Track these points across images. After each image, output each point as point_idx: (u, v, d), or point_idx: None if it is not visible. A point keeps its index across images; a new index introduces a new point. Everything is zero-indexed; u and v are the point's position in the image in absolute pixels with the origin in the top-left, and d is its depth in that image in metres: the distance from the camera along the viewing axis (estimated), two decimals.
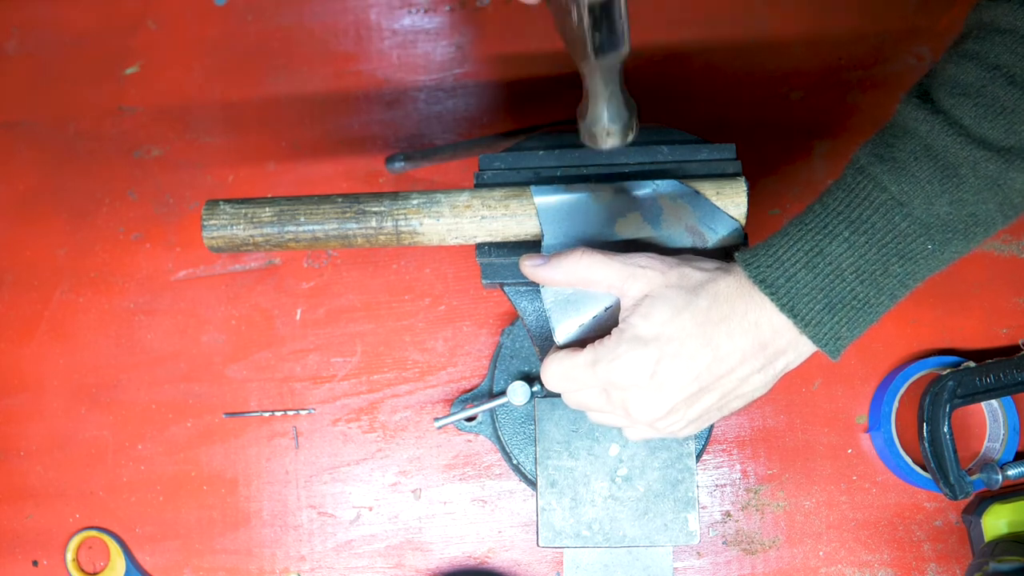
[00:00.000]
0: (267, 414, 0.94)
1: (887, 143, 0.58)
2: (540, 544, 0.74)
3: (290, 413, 0.94)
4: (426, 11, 0.99)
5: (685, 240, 0.68)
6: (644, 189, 0.69)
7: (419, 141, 0.97)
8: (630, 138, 0.62)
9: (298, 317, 0.96)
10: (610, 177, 0.72)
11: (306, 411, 0.94)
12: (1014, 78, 0.54)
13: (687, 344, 0.59)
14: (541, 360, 0.69)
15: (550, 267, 0.65)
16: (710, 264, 0.62)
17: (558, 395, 0.77)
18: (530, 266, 0.66)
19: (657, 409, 0.61)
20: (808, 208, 0.60)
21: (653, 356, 0.60)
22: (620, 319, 0.62)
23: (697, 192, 0.69)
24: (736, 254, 0.61)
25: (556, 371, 0.64)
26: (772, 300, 0.58)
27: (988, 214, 0.57)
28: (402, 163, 0.94)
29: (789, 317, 0.58)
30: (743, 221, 0.70)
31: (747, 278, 0.59)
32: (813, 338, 0.59)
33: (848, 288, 0.58)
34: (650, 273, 0.62)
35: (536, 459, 0.76)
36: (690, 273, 0.61)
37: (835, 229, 0.58)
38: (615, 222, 0.69)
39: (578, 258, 0.64)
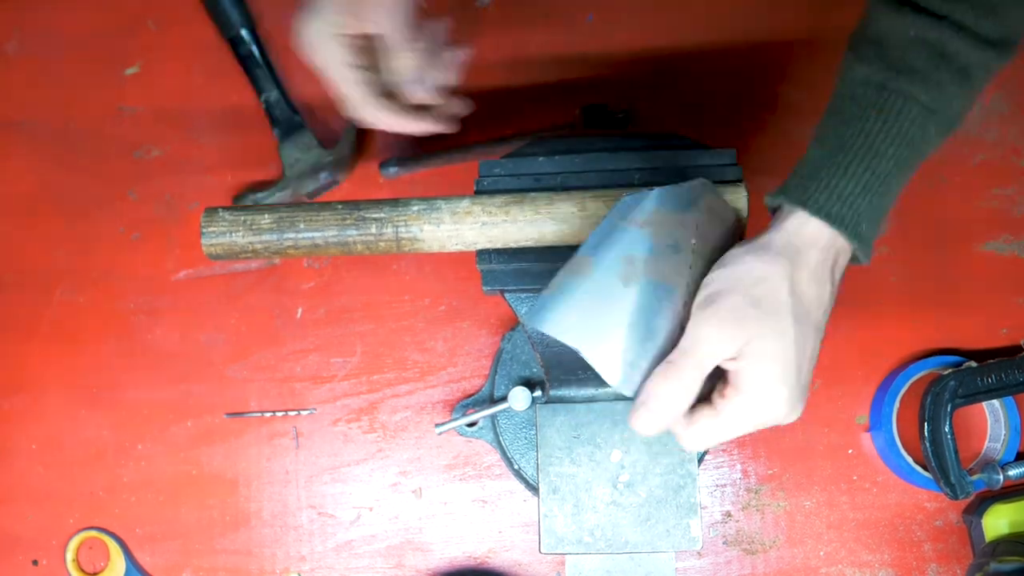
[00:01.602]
0: (267, 414, 0.94)
1: (895, 56, 0.60)
2: (542, 551, 0.74)
3: (291, 413, 0.94)
4: (425, 12, 0.98)
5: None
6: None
7: (417, 143, 0.97)
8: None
9: (298, 317, 0.95)
10: (607, 185, 0.71)
11: (306, 411, 0.94)
12: None
13: (801, 348, 0.59)
14: (543, 364, 0.68)
15: (658, 412, 0.60)
16: (757, 254, 0.60)
17: (560, 401, 0.77)
18: (654, 427, 0.61)
19: (802, 407, 0.62)
20: (837, 133, 0.61)
21: (788, 383, 0.59)
22: (736, 375, 0.60)
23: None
24: (771, 198, 0.62)
25: (704, 438, 0.62)
26: (840, 230, 0.59)
27: (971, 105, 0.63)
28: (396, 168, 0.94)
29: (855, 242, 0.60)
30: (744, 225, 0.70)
31: (797, 222, 0.60)
32: (865, 255, 0.62)
33: (892, 199, 0.61)
34: (745, 326, 0.59)
35: (538, 465, 0.76)
36: (769, 290, 0.59)
37: (881, 148, 0.60)
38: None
39: (675, 377, 0.60)
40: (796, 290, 0.59)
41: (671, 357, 0.60)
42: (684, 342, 0.60)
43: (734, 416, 0.60)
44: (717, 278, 0.61)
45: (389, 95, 0.76)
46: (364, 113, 0.75)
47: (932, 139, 0.61)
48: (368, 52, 0.74)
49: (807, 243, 0.60)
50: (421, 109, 0.78)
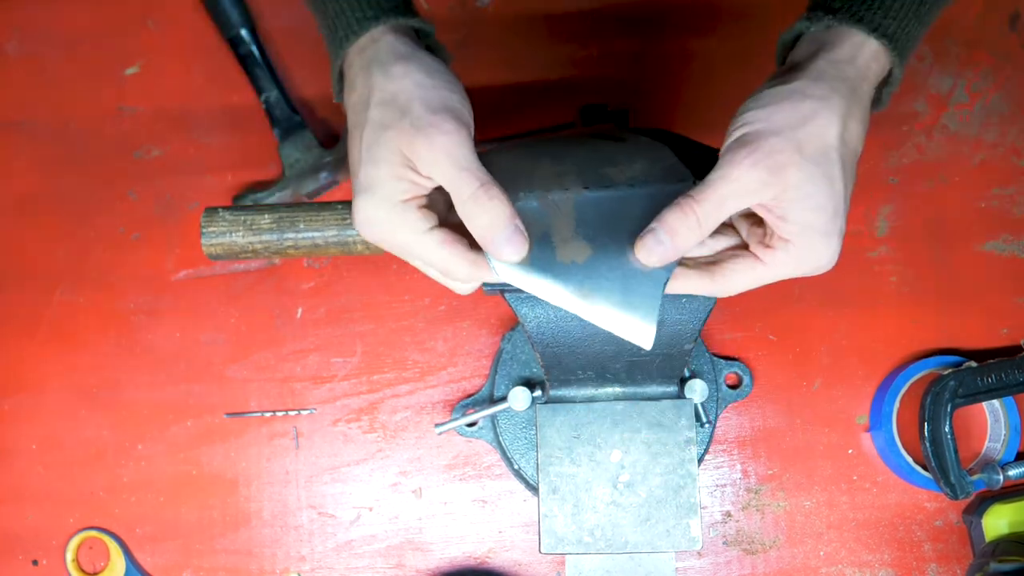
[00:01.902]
0: (267, 414, 0.94)
1: None
2: (542, 551, 0.74)
3: (291, 413, 0.94)
4: (426, 11, 0.98)
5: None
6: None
7: None
8: None
9: (298, 317, 0.95)
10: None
11: (306, 411, 0.94)
12: None
13: (850, 186, 0.58)
14: (543, 364, 0.68)
15: (678, 240, 0.58)
16: (794, 103, 0.57)
17: (559, 402, 0.77)
18: (660, 257, 0.59)
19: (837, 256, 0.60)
20: None
21: (835, 229, 0.58)
22: (778, 223, 0.58)
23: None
24: (816, 22, 0.59)
25: (743, 284, 0.61)
26: (896, 58, 0.58)
27: None
28: None
29: (900, 70, 0.59)
30: None
31: (852, 44, 0.57)
32: (895, 87, 0.60)
33: (932, 20, 0.59)
34: (787, 155, 0.56)
35: (538, 465, 0.76)
36: (820, 127, 0.56)
37: None
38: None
39: (712, 194, 0.57)
40: (845, 133, 0.56)
41: (693, 193, 0.57)
42: (712, 179, 0.57)
43: (778, 266, 0.59)
44: (754, 118, 0.57)
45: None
46: (482, 275, 0.61)
47: None
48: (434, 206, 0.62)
49: (861, 74, 0.57)
50: None
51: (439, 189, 0.60)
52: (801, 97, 0.56)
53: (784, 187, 0.56)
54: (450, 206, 0.60)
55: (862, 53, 0.57)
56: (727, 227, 0.66)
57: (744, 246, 0.63)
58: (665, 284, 0.62)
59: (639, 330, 0.63)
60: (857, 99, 0.57)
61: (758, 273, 0.60)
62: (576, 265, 0.63)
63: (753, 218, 0.63)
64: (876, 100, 0.61)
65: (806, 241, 0.58)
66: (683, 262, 0.64)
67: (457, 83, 0.61)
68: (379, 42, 0.60)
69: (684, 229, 0.58)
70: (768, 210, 0.58)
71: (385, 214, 0.59)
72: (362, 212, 0.59)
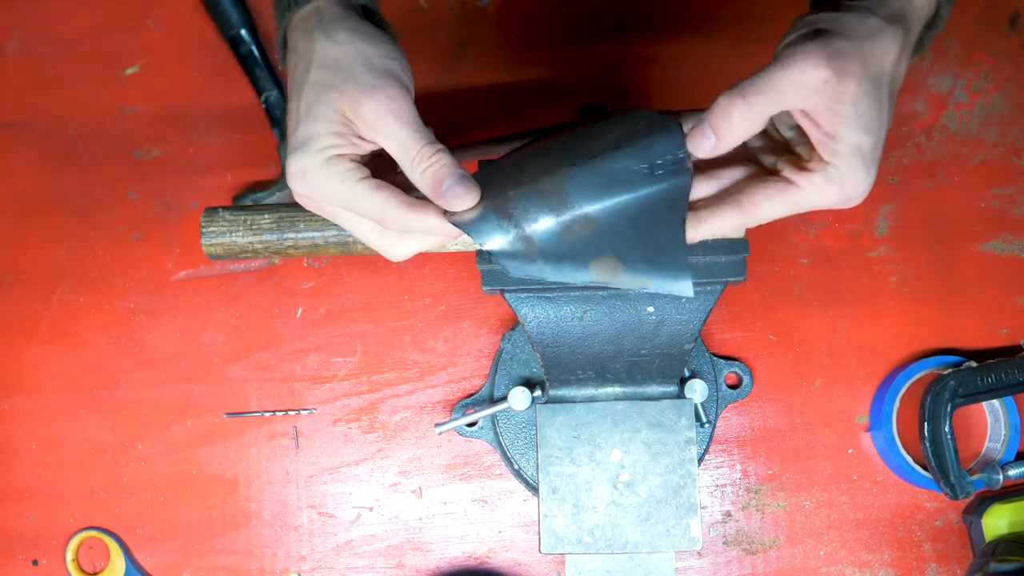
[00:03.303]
0: (267, 414, 0.94)
1: None
2: (542, 551, 0.74)
3: (291, 413, 0.94)
4: (426, 11, 0.98)
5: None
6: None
7: None
8: None
9: (298, 317, 0.95)
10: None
11: (306, 411, 0.94)
12: None
13: (889, 120, 0.57)
14: (543, 364, 0.68)
15: (729, 127, 0.58)
16: (859, 24, 0.56)
17: (559, 401, 0.77)
18: (711, 144, 0.59)
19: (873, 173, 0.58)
20: None
21: (876, 159, 0.57)
22: (825, 141, 0.57)
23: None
24: None
25: (778, 211, 0.60)
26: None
27: None
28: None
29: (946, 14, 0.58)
30: None
31: None
32: (949, 8, 0.59)
33: None
34: (852, 64, 0.55)
35: (538, 465, 0.76)
36: (871, 58, 0.55)
37: None
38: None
39: (740, 102, 0.57)
40: (898, 65, 0.56)
41: (747, 84, 0.57)
42: (771, 69, 0.56)
43: (816, 190, 0.57)
44: (823, 19, 0.56)
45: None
46: (417, 224, 0.61)
47: None
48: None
49: (917, 14, 0.57)
50: None
51: (374, 155, 0.61)
52: (868, 13, 0.56)
53: (841, 96, 0.54)
54: (382, 172, 0.61)
55: None
56: (746, 160, 0.65)
57: (766, 176, 0.62)
58: (683, 225, 0.62)
59: (676, 283, 0.63)
60: (909, 37, 0.56)
61: (792, 198, 0.58)
62: (585, 239, 0.63)
63: (782, 148, 0.63)
64: (919, 44, 0.60)
65: (849, 164, 0.56)
66: (697, 206, 0.63)
67: (400, 53, 0.61)
68: (323, 11, 0.61)
69: (739, 120, 0.57)
70: (817, 124, 0.56)
71: (319, 166, 0.59)
72: (295, 165, 0.59)
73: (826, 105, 0.55)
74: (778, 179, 0.59)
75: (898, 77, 0.57)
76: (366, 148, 0.60)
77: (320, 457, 0.93)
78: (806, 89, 0.55)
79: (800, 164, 0.59)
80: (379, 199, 0.59)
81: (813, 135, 0.57)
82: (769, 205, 0.59)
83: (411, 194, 0.61)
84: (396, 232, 0.62)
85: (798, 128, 0.62)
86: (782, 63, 0.55)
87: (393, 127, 0.58)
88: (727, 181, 0.64)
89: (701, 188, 0.64)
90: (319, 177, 0.59)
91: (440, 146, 0.59)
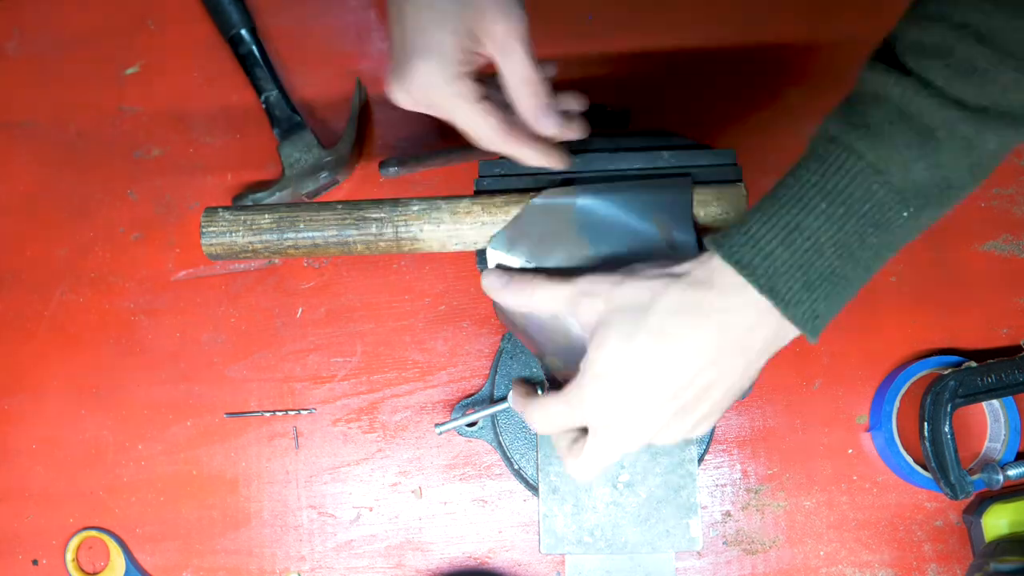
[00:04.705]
0: (267, 414, 0.94)
1: (856, 111, 0.56)
2: (542, 551, 0.74)
3: (291, 413, 0.94)
4: None
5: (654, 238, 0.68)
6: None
7: (418, 141, 0.97)
8: None
9: (298, 317, 0.95)
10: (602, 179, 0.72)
11: (306, 411, 0.94)
12: (982, 36, 0.53)
13: (652, 367, 0.58)
14: (543, 367, 0.68)
15: (507, 291, 0.66)
16: (657, 270, 0.60)
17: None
18: (492, 286, 0.67)
19: (644, 435, 0.60)
20: (779, 184, 0.57)
21: (619, 391, 0.59)
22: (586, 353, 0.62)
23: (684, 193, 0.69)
24: (706, 239, 0.59)
25: (540, 419, 0.64)
26: (750, 281, 0.56)
27: (961, 178, 0.58)
28: (396, 167, 0.94)
29: (769, 298, 0.56)
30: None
31: (714, 266, 0.57)
32: (793, 318, 0.56)
33: (826, 263, 0.56)
34: (595, 301, 0.61)
35: (538, 465, 0.76)
36: (635, 290, 0.60)
37: (811, 202, 0.55)
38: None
39: (528, 283, 0.65)
40: (667, 314, 0.58)
41: (527, 280, 0.65)
42: (552, 280, 0.64)
43: (567, 405, 0.62)
44: (624, 268, 0.62)
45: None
46: (509, 148, 0.67)
47: (886, 206, 0.56)
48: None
49: (705, 281, 0.58)
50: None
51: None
52: (656, 265, 0.61)
53: (584, 319, 0.61)
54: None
55: (714, 264, 0.58)
56: None
57: None
58: None
59: None
60: (695, 297, 0.58)
61: (552, 408, 0.63)
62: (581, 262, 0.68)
63: None
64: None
65: (589, 379, 0.60)
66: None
67: None
68: None
69: (519, 288, 0.65)
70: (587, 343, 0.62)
71: (447, 79, 0.63)
72: (422, 70, 0.62)
73: (589, 325, 0.61)
74: (558, 392, 0.64)
75: (674, 332, 0.58)
76: (481, 62, 0.65)
77: (320, 457, 0.93)
78: (559, 304, 0.63)
79: None
80: (490, 123, 0.65)
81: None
82: (539, 411, 0.64)
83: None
84: None
85: None
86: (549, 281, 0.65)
87: (519, 50, 0.63)
88: None
89: None
90: (445, 90, 0.63)
91: (547, 80, 0.66)
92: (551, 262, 0.68)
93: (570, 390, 0.61)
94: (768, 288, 0.56)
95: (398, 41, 0.64)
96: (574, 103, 0.72)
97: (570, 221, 0.68)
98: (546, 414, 0.63)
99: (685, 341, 0.58)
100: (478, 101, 0.64)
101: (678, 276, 0.59)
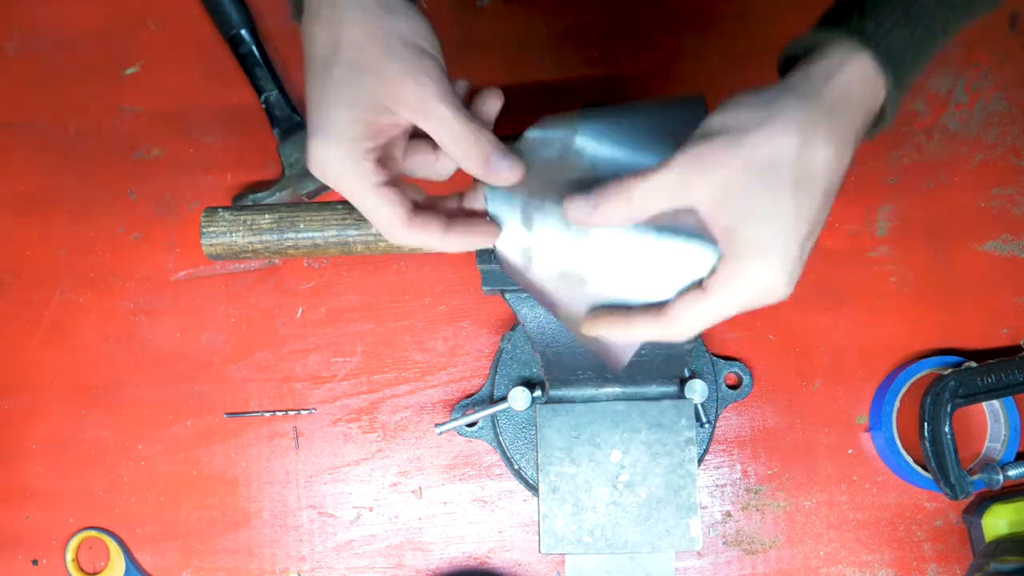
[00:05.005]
0: (267, 414, 0.94)
1: None
2: (542, 551, 0.74)
3: (291, 413, 0.94)
4: (425, 11, 0.98)
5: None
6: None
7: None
8: None
9: (298, 317, 0.95)
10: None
11: (306, 411, 0.94)
12: None
13: (814, 220, 0.54)
14: (543, 364, 0.68)
15: (601, 210, 0.57)
16: (755, 99, 0.54)
17: (559, 402, 0.77)
18: (581, 215, 0.58)
19: (794, 278, 0.56)
20: None
21: (790, 257, 0.54)
22: (723, 238, 0.55)
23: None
24: (827, 30, 0.56)
25: (694, 322, 0.57)
26: (889, 81, 0.54)
27: None
28: None
29: (895, 99, 0.55)
30: None
31: (839, 58, 0.54)
32: (894, 108, 0.56)
33: (927, 39, 0.56)
34: (712, 174, 0.54)
35: (538, 465, 0.76)
36: (759, 141, 0.53)
37: None
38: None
39: (621, 190, 0.56)
40: (807, 150, 0.52)
41: (638, 172, 0.56)
42: (651, 168, 0.55)
43: (720, 291, 0.56)
44: (712, 121, 0.55)
45: (424, 205, 0.63)
46: (416, 240, 0.61)
47: None
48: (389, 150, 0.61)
49: (840, 92, 0.54)
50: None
51: (391, 141, 0.60)
52: (761, 104, 0.54)
53: (716, 192, 0.54)
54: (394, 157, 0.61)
55: (844, 70, 0.54)
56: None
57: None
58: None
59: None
60: (831, 118, 0.53)
61: (702, 305, 0.57)
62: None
63: None
64: (878, 120, 0.58)
65: (746, 259, 0.54)
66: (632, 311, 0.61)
67: (431, 28, 0.60)
68: None
69: (615, 199, 0.56)
70: (712, 222, 0.55)
71: (342, 159, 0.57)
72: (319, 151, 0.57)
73: (711, 203, 0.55)
74: (696, 288, 0.58)
75: (816, 162, 0.53)
76: (394, 133, 0.59)
77: (320, 457, 0.93)
78: (675, 189, 0.55)
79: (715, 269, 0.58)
80: (387, 212, 0.59)
81: (715, 233, 0.56)
82: (684, 316, 0.57)
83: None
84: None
85: None
86: (660, 165, 0.55)
87: (438, 109, 0.57)
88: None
89: None
90: (340, 170, 0.58)
91: (480, 123, 0.59)
92: (552, 199, 0.61)
93: (724, 281, 0.56)
94: (899, 87, 0.55)
95: (309, 114, 0.59)
96: (494, 102, 0.65)
97: (574, 148, 0.63)
98: (697, 316, 0.57)
99: (831, 173, 0.54)
100: (378, 186, 0.58)
101: (802, 103, 0.53)
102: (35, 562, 0.93)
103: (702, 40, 0.98)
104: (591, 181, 0.58)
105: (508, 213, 0.62)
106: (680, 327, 0.58)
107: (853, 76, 0.54)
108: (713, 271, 0.56)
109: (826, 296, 0.94)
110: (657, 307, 0.59)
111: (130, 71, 1.01)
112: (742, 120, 0.53)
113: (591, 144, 0.62)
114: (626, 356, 0.62)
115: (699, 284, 0.57)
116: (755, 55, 0.98)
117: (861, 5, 0.55)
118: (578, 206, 0.57)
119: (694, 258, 0.58)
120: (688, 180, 0.54)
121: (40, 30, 1.01)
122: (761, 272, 0.54)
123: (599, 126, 0.62)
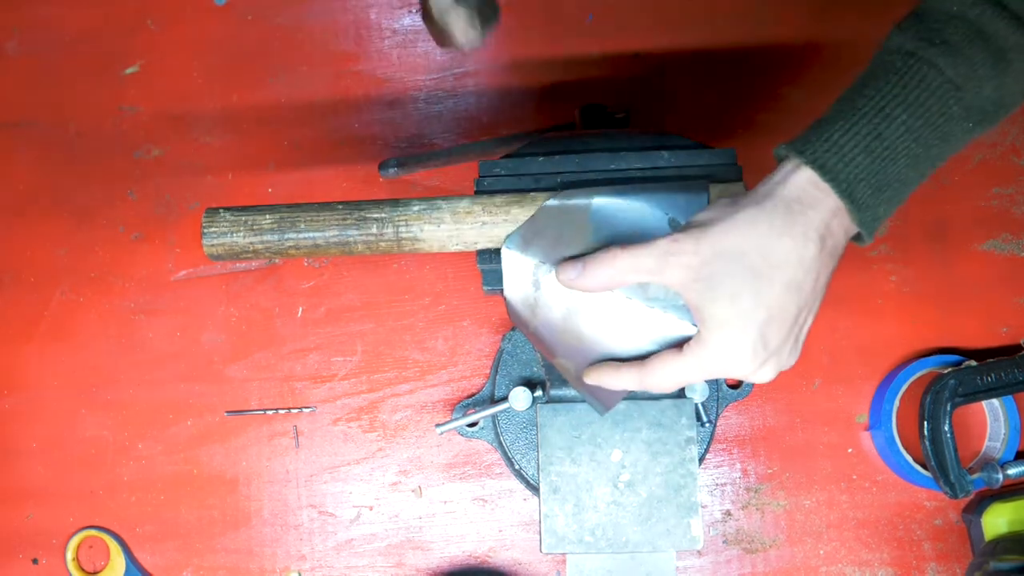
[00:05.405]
0: (268, 412, 0.94)
1: (932, 28, 0.58)
2: (543, 551, 0.74)
3: (292, 411, 0.94)
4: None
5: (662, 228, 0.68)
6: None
7: (419, 141, 0.97)
8: (487, 29, 0.65)
9: (298, 316, 0.95)
10: (611, 182, 0.71)
11: (307, 410, 0.94)
12: None
13: (772, 303, 0.59)
14: (543, 364, 0.68)
15: (587, 275, 0.64)
16: (728, 206, 0.61)
17: (560, 401, 0.77)
18: (570, 278, 0.65)
19: (772, 370, 0.62)
20: (854, 94, 0.60)
21: (743, 337, 0.59)
22: (694, 314, 0.62)
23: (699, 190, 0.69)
24: (782, 147, 0.60)
25: (662, 378, 0.64)
26: (832, 186, 0.58)
27: (1014, 99, 0.60)
28: (395, 168, 0.94)
29: (847, 203, 0.58)
30: None
31: (795, 178, 0.59)
32: (862, 222, 0.59)
33: (897, 170, 0.59)
34: (683, 258, 0.60)
35: (538, 465, 0.76)
36: (723, 234, 0.60)
37: (893, 112, 0.58)
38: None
39: (606, 259, 0.63)
40: (763, 245, 0.58)
41: (626, 250, 0.62)
42: (641, 245, 0.62)
43: (691, 357, 0.61)
44: (699, 215, 0.62)
45: None
46: None
47: (955, 119, 0.58)
48: None
49: (793, 195, 0.59)
50: None
51: None
52: (731, 204, 0.60)
53: (688, 274, 0.60)
54: None
55: (796, 177, 0.59)
56: None
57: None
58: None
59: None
60: (785, 216, 0.58)
61: (675, 364, 0.62)
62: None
63: None
64: (859, 236, 0.62)
65: (708, 332, 0.60)
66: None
67: None
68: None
69: (601, 267, 0.63)
70: (687, 300, 0.61)
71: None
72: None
73: (683, 283, 0.60)
74: (674, 348, 0.63)
75: (775, 256, 0.58)
76: None
77: (320, 456, 0.94)
78: (641, 270, 0.62)
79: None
80: None
81: (690, 308, 0.62)
82: (660, 372, 0.63)
83: None
84: None
85: None
86: (639, 246, 0.62)
87: None
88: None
89: None
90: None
91: None
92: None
93: (693, 348, 0.61)
94: (847, 193, 0.58)
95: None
96: None
97: (586, 222, 0.68)
98: (669, 373, 0.63)
99: (791, 265, 0.59)
100: None
101: (760, 203, 0.59)
102: (35, 561, 0.93)
103: (703, 40, 0.98)
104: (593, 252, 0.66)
105: (520, 271, 0.69)
106: (655, 380, 0.64)
107: (801, 182, 0.59)
108: (690, 338, 0.63)
109: (826, 296, 0.93)
110: (641, 360, 0.65)
111: (130, 71, 1.01)
112: (714, 215, 0.60)
113: (601, 220, 0.68)
114: (613, 402, 0.69)
115: (678, 346, 0.63)
116: (755, 54, 0.98)
117: (817, 126, 0.60)
118: (568, 270, 0.65)
119: (676, 327, 0.66)
120: (666, 260, 0.60)
121: (40, 30, 1.01)
122: (722, 347, 0.60)
123: (610, 207, 0.68)
